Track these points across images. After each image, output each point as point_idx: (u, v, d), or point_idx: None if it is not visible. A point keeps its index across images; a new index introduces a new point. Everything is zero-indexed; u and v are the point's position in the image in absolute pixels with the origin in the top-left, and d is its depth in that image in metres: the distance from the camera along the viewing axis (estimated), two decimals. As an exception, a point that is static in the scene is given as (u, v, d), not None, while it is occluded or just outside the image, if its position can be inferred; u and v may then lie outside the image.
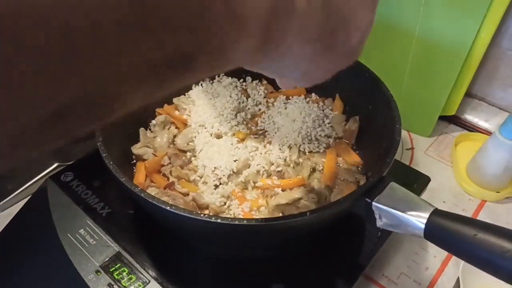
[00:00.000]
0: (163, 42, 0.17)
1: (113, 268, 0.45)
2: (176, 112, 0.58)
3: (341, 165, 0.53)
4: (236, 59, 0.21)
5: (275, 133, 0.56)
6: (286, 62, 0.24)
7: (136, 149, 0.52)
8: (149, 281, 0.44)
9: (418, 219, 0.36)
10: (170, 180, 0.49)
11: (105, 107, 0.17)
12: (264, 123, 0.58)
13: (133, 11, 0.15)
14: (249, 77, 0.64)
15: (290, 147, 0.53)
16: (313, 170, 0.51)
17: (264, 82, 0.64)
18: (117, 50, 0.15)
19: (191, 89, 0.62)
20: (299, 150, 0.53)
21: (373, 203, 0.38)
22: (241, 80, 0.64)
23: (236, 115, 0.58)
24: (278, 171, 0.51)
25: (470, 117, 0.72)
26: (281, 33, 0.21)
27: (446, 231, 0.34)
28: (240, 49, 0.20)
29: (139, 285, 0.44)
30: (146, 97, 0.19)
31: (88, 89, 0.16)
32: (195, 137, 0.54)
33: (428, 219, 0.35)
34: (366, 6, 0.24)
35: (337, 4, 0.23)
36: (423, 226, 0.35)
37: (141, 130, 0.55)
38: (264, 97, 0.62)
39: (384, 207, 0.37)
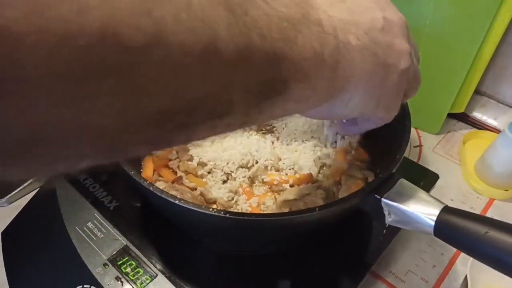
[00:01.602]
0: (268, 69, 0.21)
1: (121, 262, 0.45)
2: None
3: (349, 161, 0.52)
4: (315, 94, 0.25)
5: (283, 129, 0.55)
6: (353, 99, 0.29)
7: (144, 143, 0.52)
8: (157, 275, 0.44)
9: (428, 216, 0.35)
10: (178, 175, 0.49)
11: (220, 112, 0.20)
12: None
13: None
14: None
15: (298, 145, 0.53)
16: (321, 166, 0.51)
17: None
18: (233, 71, 0.19)
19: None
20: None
21: (383, 199, 0.37)
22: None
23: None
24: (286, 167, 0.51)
25: (479, 114, 0.72)
26: (346, 66, 0.26)
27: (457, 229, 0.34)
28: (318, 83, 0.25)
29: (147, 279, 0.44)
30: (248, 116, 0.22)
31: (209, 95, 0.18)
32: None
33: (438, 216, 0.35)
34: (401, 36, 0.30)
35: (380, 37, 0.28)
36: (433, 223, 0.35)
37: (149, 124, 0.55)
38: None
39: (394, 204, 0.37)
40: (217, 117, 0.20)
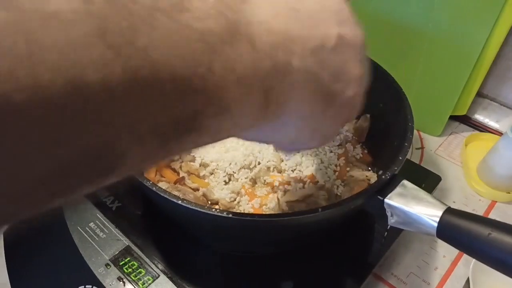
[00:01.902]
0: (171, 105, 0.17)
1: (123, 262, 0.45)
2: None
3: (351, 162, 0.52)
4: (239, 122, 0.21)
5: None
6: (286, 126, 0.25)
7: (146, 144, 0.52)
8: (159, 275, 0.44)
9: (431, 217, 0.35)
10: (180, 175, 0.49)
11: (106, 169, 0.17)
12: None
13: (136, 79, 0.15)
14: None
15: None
16: (324, 167, 0.51)
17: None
18: (124, 113, 0.15)
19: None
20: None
21: (385, 200, 0.37)
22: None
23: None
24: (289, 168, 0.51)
25: (481, 117, 0.72)
26: (281, 92, 0.22)
27: (459, 230, 0.34)
28: (244, 111, 0.20)
29: (148, 279, 0.44)
30: (149, 159, 0.18)
31: (90, 150, 0.15)
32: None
33: (441, 218, 0.35)
34: (355, 58, 0.25)
35: (329, 59, 0.23)
36: (435, 224, 0.35)
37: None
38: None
39: (397, 205, 0.37)
40: (99, 177, 0.17)
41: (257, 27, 0.20)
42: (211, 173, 0.50)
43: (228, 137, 0.23)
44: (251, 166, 0.50)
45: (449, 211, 0.35)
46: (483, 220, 0.34)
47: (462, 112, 0.70)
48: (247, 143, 0.52)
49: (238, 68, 0.19)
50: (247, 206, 0.46)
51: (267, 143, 0.29)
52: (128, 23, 0.15)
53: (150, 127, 0.16)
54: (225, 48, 0.18)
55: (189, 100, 0.17)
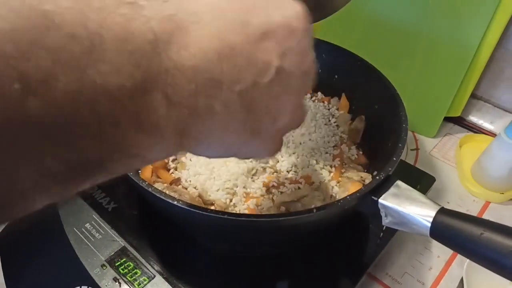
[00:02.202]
0: (65, 154, 0.16)
1: (119, 263, 0.45)
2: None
3: (346, 163, 0.53)
4: (152, 158, 0.21)
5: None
6: (210, 147, 0.23)
7: (143, 145, 0.53)
8: (154, 276, 0.44)
9: (424, 217, 0.36)
10: (176, 176, 0.50)
11: (8, 209, 0.16)
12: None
13: (34, 125, 0.15)
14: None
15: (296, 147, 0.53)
16: (320, 168, 0.51)
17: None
18: (14, 162, 0.15)
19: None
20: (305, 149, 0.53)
21: (379, 200, 0.38)
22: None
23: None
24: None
25: (475, 118, 0.72)
26: (199, 133, 0.21)
27: (452, 230, 0.34)
28: (155, 151, 0.20)
29: (144, 280, 0.44)
30: (56, 197, 0.18)
31: None
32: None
33: (434, 218, 0.35)
34: (290, 90, 0.22)
35: (259, 98, 0.21)
36: (429, 224, 0.35)
37: (148, 126, 0.55)
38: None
39: (390, 205, 0.37)
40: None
41: (178, 75, 0.18)
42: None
43: (144, 165, 0.22)
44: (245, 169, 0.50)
45: (442, 211, 0.36)
46: (475, 220, 0.34)
47: (456, 113, 0.70)
48: None
49: (146, 122, 0.18)
50: (242, 206, 0.47)
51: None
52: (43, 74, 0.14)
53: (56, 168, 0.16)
54: (136, 103, 0.17)
55: (93, 147, 0.17)
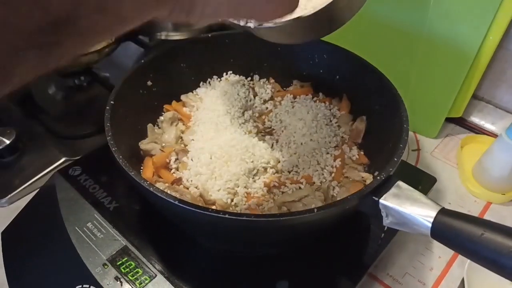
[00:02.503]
0: (31, 10, 0.16)
1: (120, 262, 0.45)
2: (184, 109, 0.59)
3: (347, 164, 0.53)
4: (127, 15, 0.20)
5: (282, 131, 0.56)
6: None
7: (144, 144, 0.53)
8: (156, 275, 0.44)
9: (425, 218, 0.36)
10: (178, 176, 0.50)
11: None
12: (271, 121, 0.58)
13: None
14: (256, 76, 0.65)
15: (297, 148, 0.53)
16: (321, 168, 0.51)
17: (272, 80, 0.64)
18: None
19: (199, 86, 0.62)
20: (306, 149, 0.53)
21: (380, 201, 0.38)
22: (249, 78, 0.65)
23: (243, 113, 0.58)
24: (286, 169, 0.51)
25: (477, 119, 0.72)
26: None
27: (453, 230, 0.34)
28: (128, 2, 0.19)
29: (146, 279, 0.44)
30: (39, 67, 0.18)
31: None
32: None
33: (435, 218, 0.35)
34: None
35: None
36: (430, 224, 0.35)
37: (149, 126, 0.56)
38: (272, 96, 0.62)
39: (391, 205, 0.37)
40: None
41: None
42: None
43: (125, 28, 0.21)
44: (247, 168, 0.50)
45: (443, 211, 0.36)
46: (476, 221, 0.34)
47: (458, 114, 0.70)
48: (246, 141, 0.52)
49: None
50: (243, 206, 0.47)
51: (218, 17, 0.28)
52: None
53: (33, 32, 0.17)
54: None
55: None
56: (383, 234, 0.48)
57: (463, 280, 0.48)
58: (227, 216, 0.36)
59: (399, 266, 0.52)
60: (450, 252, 0.53)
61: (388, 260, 0.52)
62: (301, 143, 0.54)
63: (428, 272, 0.52)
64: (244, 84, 0.62)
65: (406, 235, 0.53)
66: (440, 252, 0.53)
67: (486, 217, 0.59)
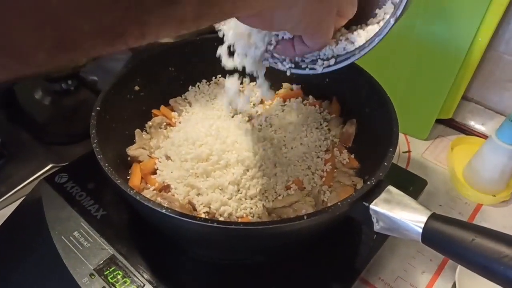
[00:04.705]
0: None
1: (108, 271, 0.44)
2: (173, 113, 0.58)
3: (338, 168, 0.52)
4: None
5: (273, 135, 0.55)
6: (293, 8, 0.31)
7: (132, 150, 0.52)
8: (144, 285, 0.43)
9: (416, 223, 0.36)
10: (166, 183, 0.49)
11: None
12: (261, 125, 0.58)
13: None
14: (246, 79, 0.64)
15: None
16: (311, 172, 0.51)
17: (261, 84, 0.63)
18: None
19: (188, 90, 0.62)
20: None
21: (371, 206, 0.37)
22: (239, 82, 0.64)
23: (233, 116, 0.57)
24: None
25: (467, 120, 0.73)
26: None
27: (444, 236, 0.34)
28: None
29: (134, 289, 0.43)
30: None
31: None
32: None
33: (426, 224, 0.35)
34: None
35: None
36: (420, 230, 0.35)
37: (137, 131, 0.55)
38: (261, 99, 0.62)
39: (382, 211, 0.37)
40: (167, 5, 0.20)
41: None
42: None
43: (252, 9, 0.28)
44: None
45: (433, 217, 0.35)
46: (466, 226, 0.34)
47: (448, 115, 0.70)
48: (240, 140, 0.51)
49: None
50: (233, 213, 0.46)
51: (277, 29, 0.37)
52: None
53: None
54: None
55: None
56: (375, 236, 0.48)
57: (454, 283, 0.48)
58: (215, 224, 0.35)
59: (390, 269, 0.51)
60: (441, 255, 0.53)
61: (379, 264, 0.52)
62: (291, 147, 0.53)
63: (419, 275, 0.51)
64: (233, 88, 0.62)
65: (397, 238, 0.53)
66: (432, 255, 0.53)
67: (477, 218, 0.59)
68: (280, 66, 0.46)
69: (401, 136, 0.70)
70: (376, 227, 0.39)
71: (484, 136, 0.69)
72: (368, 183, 0.39)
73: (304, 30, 0.36)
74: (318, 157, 0.53)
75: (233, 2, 0.25)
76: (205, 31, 0.63)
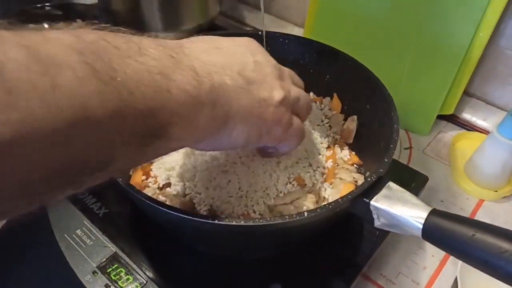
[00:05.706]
0: (146, 117, 0.24)
1: (110, 269, 0.45)
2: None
3: (339, 165, 0.52)
4: (197, 130, 0.29)
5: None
6: (234, 131, 0.32)
7: (133, 149, 0.52)
8: (146, 282, 0.44)
9: (416, 219, 0.36)
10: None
11: (99, 169, 0.23)
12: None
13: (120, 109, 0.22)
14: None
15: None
16: (313, 170, 0.51)
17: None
18: (116, 126, 0.22)
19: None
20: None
21: (371, 203, 0.38)
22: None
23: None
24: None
25: (468, 116, 0.72)
26: (223, 103, 0.30)
27: (444, 231, 0.34)
28: (199, 120, 0.28)
29: (136, 286, 0.43)
30: (131, 161, 0.26)
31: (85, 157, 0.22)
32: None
33: (426, 219, 0.35)
34: (270, 74, 0.35)
35: (252, 76, 0.33)
36: (421, 226, 0.35)
37: (138, 129, 0.55)
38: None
39: (382, 207, 0.37)
40: (98, 171, 0.23)
41: (195, 61, 0.29)
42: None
43: (189, 145, 0.33)
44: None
45: (434, 212, 0.35)
46: (467, 221, 0.34)
47: (449, 111, 0.70)
48: None
49: (187, 87, 0.27)
50: (235, 209, 0.46)
51: (226, 148, 0.39)
52: (109, 67, 0.22)
53: (132, 134, 0.23)
54: (176, 76, 0.26)
55: (155, 114, 0.24)
56: (378, 232, 0.48)
57: (456, 279, 0.48)
58: (216, 222, 0.35)
59: (392, 266, 0.52)
60: (443, 251, 0.53)
61: (381, 260, 0.52)
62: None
63: (421, 271, 0.51)
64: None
65: (399, 234, 0.53)
66: (433, 251, 0.53)
67: (479, 214, 0.59)
68: None
69: (403, 132, 0.70)
70: (377, 223, 0.39)
71: (486, 132, 0.69)
72: (369, 179, 0.39)
73: (258, 143, 0.36)
74: (320, 154, 0.53)
75: (167, 147, 0.28)
76: (207, 28, 0.63)
